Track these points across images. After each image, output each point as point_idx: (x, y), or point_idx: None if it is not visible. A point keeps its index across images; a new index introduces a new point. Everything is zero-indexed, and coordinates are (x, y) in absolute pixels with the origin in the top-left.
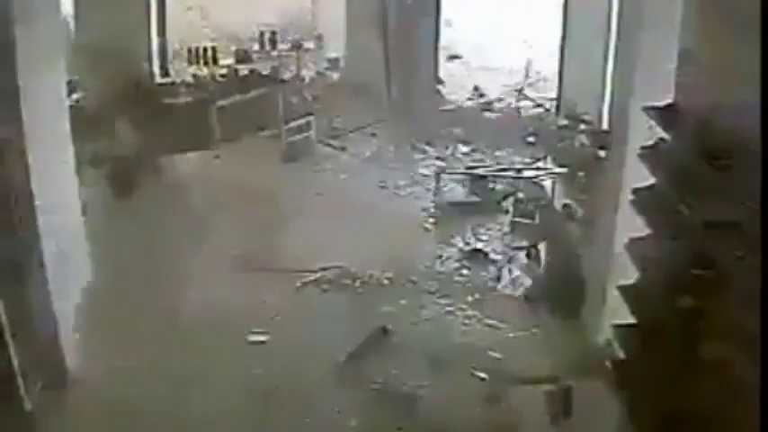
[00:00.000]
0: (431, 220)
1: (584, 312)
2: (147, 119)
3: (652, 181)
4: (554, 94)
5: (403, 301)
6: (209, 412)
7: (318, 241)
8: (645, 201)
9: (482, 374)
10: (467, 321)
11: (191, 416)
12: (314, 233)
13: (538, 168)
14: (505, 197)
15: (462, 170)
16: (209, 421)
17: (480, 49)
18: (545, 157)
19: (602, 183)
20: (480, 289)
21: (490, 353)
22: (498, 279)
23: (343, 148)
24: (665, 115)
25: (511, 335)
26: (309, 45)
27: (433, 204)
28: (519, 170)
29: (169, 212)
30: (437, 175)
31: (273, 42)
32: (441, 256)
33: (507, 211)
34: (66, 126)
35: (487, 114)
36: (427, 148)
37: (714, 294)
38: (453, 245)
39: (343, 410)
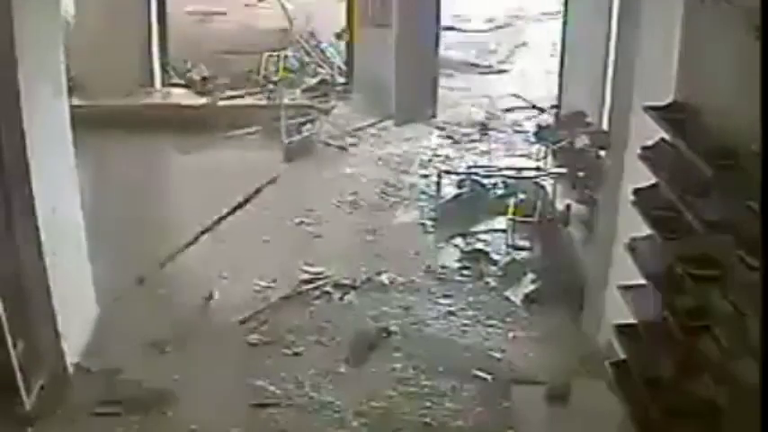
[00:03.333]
0: (430, 222)
1: (585, 312)
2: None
3: (653, 181)
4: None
5: (403, 302)
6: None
7: (316, 242)
8: (645, 201)
9: (483, 375)
10: (467, 322)
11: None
12: (311, 233)
13: (538, 168)
14: (505, 197)
15: (463, 170)
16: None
17: None
18: (545, 157)
19: (603, 183)
20: (481, 289)
21: (490, 353)
22: (498, 279)
23: (344, 148)
24: (666, 115)
25: (511, 335)
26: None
27: (433, 205)
28: (519, 170)
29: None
30: (438, 176)
31: None
32: (441, 256)
33: (506, 212)
34: (67, 127)
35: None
36: (428, 147)
37: (714, 294)
38: (454, 245)
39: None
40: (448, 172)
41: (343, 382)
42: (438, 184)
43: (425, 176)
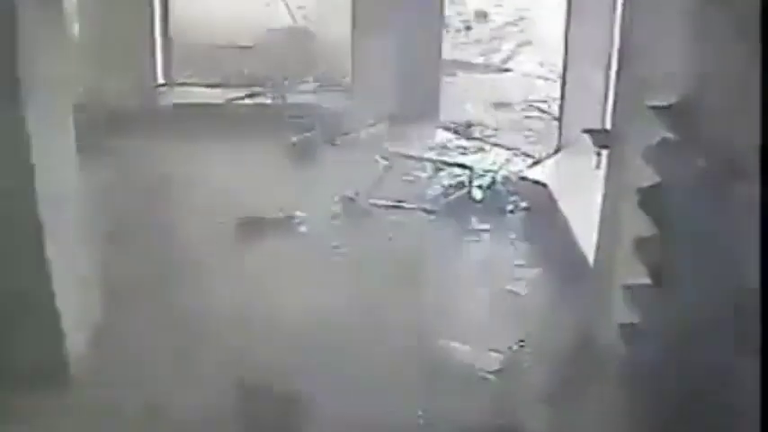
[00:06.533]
0: (432, 217)
1: (589, 311)
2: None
3: (656, 180)
4: None
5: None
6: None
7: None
8: (649, 200)
9: (486, 374)
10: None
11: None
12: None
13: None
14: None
15: (465, 170)
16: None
17: None
18: (548, 157)
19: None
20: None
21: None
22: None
23: (346, 148)
24: (669, 114)
25: (513, 331)
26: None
27: (434, 205)
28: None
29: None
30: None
31: None
32: (444, 257)
33: (512, 211)
34: (71, 130)
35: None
36: (431, 147)
37: (718, 293)
38: (454, 244)
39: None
40: (448, 170)
41: None
42: (441, 183)
43: (425, 175)
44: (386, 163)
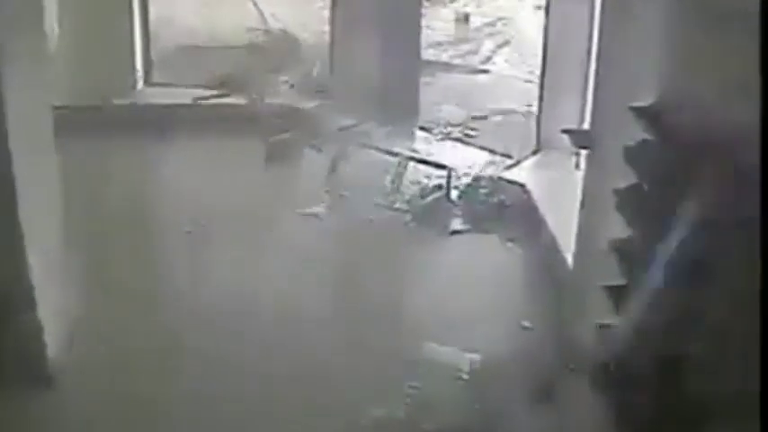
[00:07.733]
0: (409, 218)
1: (568, 312)
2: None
3: (635, 181)
4: None
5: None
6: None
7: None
8: (627, 201)
9: (464, 374)
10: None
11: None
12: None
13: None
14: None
15: (443, 171)
16: None
17: None
18: (526, 158)
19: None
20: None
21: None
22: None
23: (325, 150)
24: (650, 115)
25: (497, 331)
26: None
27: (412, 206)
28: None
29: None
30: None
31: None
32: (420, 258)
33: (490, 212)
34: (50, 134)
35: None
36: (410, 148)
37: (703, 294)
38: (431, 245)
39: None
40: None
41: None
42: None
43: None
44: (363, 164)
